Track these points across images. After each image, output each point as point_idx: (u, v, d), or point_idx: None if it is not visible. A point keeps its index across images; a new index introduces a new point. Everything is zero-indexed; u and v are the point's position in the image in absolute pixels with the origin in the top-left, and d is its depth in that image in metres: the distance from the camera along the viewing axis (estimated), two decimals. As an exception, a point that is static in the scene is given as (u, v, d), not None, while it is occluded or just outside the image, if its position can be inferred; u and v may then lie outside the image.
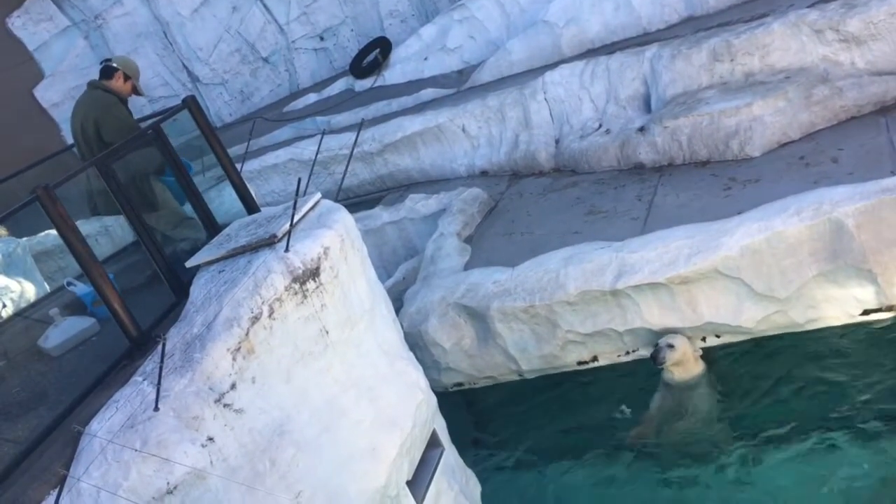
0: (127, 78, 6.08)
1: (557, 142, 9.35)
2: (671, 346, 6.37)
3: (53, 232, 4.43)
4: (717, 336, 6.65)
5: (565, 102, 9.29)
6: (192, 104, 5.49)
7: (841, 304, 6.22)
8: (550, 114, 9.43)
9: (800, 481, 5.48)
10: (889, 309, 6.12)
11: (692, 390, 6.39)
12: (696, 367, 6.45)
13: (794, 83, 7.63)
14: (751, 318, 6.36)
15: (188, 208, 5.73)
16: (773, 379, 6.30)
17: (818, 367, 6.22)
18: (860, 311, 6.21)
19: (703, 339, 6.67)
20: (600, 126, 8.99)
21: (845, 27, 7.56)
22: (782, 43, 7.89)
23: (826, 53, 7.75)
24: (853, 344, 6.21)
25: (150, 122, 5.68)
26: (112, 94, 5.97)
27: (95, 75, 6.23)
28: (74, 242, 4.25)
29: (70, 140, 6.36)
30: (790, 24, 7.83)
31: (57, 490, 3.45)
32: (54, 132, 12.93)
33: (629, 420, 6.56)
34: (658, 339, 6.52)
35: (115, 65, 6.07)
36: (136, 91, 6.21)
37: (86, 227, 5.48)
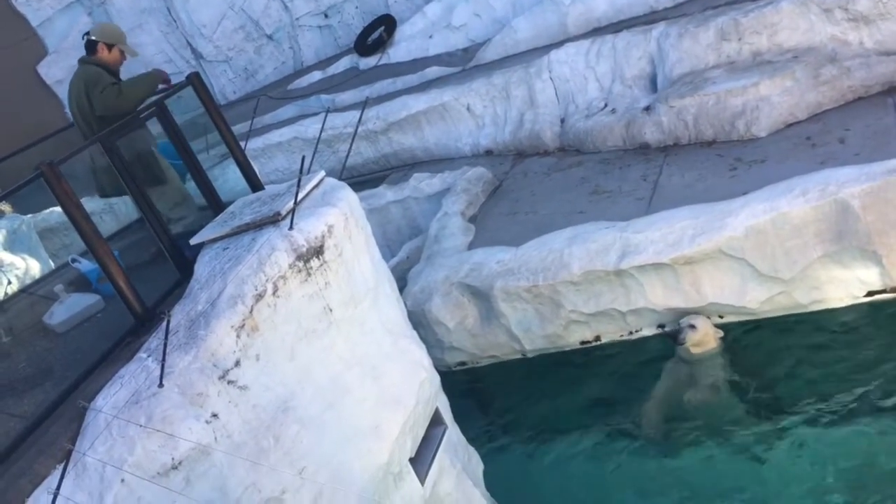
0: (111, 46, 5.78)
1: (562, 121, 9.31)
2: (692, 327, 6.39)
3: (58, 209, 4.43)
4: (721, 317, 6.65)
5: (571, 81, 9.24)
6: (196, 81, 5.46)
7: (845, 286, 6.21)
8: (556, 93, 9.38)
9: (807, 462, 5.50)
10: (893, 290, 6.11)
11: (705, 364, 6.40)
12: (713, 344, 6.48)
13: (802, 63, 7.57)
14: (755, 299, 6.36)
15: (189, 188, 5.72)
16: (784, 359, 6.31)
17: (827, 347, 6.23)
18: (864, 293, 6.21)
19: (707, 318, 6.67)
20: (606, 105, 8.94)
21: (854, 6, 7.48)
22: (791, 22, 7.82)
23: (834, 33, 7.68)
24: (860, 325, 6.21)
25: (153, 98, 5.63)
26: (100, 67, 5.73)
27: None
28: (79, 219, 4.24)
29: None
30: (799, 2, 7.75)
31: (62, 464, 3.48)
32: (58, 109, 12.91)
33: (636, 398, 6.58)
34: (679, 320, 6.56)
35: (93, 37, 5.77)
36: (125, 54, 5.91)
37: (90, 204, 5.47)
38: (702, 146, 7.91)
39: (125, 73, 6.00)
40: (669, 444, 6.14)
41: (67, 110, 6.67)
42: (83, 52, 5.84)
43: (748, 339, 6.56)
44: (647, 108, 8.39)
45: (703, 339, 6.42)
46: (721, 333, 6.49)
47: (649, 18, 9.24)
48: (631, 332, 6.97)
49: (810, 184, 6.08)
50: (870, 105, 7.24)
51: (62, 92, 13.06)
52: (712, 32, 8.19)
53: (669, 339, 6.57)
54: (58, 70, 13.62)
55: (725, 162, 7.42)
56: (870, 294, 6.20)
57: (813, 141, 7.09)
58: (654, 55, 8.69)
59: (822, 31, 7.73)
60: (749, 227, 6.12)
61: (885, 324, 6.12)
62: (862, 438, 5.48)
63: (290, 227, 4.60)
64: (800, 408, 5.86)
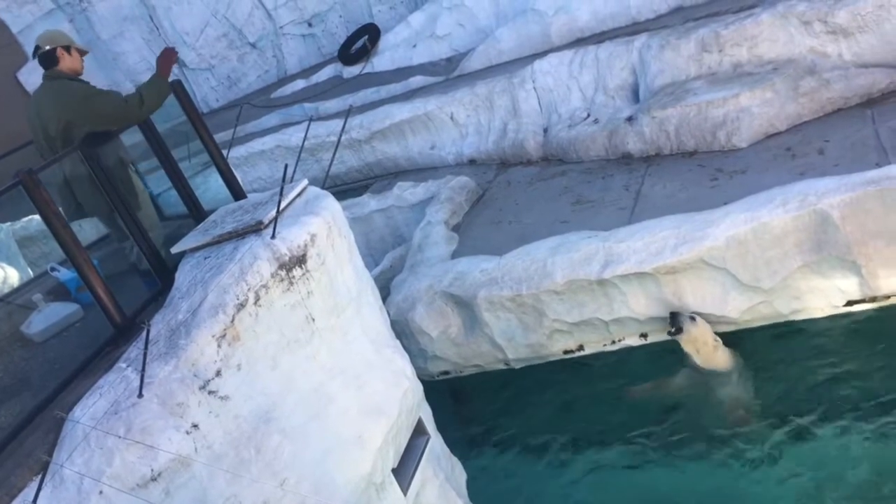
0: (68, 49, 5.13)
1: (546, 131, 9.34)
2: (692, 319, 6.36)
3: (37, 217, 4.38)
4: (703, 326, 6.68)
5: (554, 91, 9.29)
6: (178, 89, 5.43)
7: (825, 295, 6.27)
8: (539, 102, 9.42)
9: (793, 472, 5.53)
10: (872, 300, 6.17)
11: (718, 382, 6.38)
12: (719, 358, 6.41)
13: (782, 74, 7.66)
14: (736, 308, 6.39)
15: (171, 196, 5.64)
16: (763, 369, 6.35)
17: (808, 356, 6.27)
18: (844, 302, 6.26)
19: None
20: (588, 115, 8.99)
21: (833, 19, 7.58)
22: (770, 34, 7.91)
23: (814, 45, 7.78)
24: (840, 334, 6.27)
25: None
26: (72, 79, 5.12)
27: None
28: (58, 227, 4.20)
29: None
30: (779, 14, 7.85)
31: (40, 476, 3.43)
32: (38, 116, 12.77)
33: (620, 407, 6.59)
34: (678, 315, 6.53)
35: (48, 47, 5.08)
36: (82, 53, 5.25)
37: (70, 212, 5.39)
38: (683, 156, 7.97)
39: (106, 81, 5.82)
40: (656, 453, 6.15)
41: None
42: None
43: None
44: (630, 119, 8.45)
45: (698, 338, 6.34)
46: (718, 341, 6.42)
47: (631, 30, 9.31)
48: (614, 342, 6.99)
49: (790, 194, 6.14)
50: (848, 117, 7.33)
51: (42, 99, 12.94)
52: (693, 44, 8.27)
53: (669, 327, 6.49)
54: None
55: (707, 172, 7.48)
56: (849, 304, 6.25)
57: (793, 152, 7.17)
58: (636, 66, 8.75)
59: (801, 43, 7.83)
60: (730, 237, 6.17)
61: (863, 333, 6.18)
62: (845, 447, 5.52)
63: (273, 236, 4.58)
64: (784, 417, 5.90)
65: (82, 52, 5.29)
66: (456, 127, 10.03)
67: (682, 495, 5.72)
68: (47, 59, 5.14)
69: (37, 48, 5.14)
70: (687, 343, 6.40)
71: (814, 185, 6.13)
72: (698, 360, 6.40)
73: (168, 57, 5.24)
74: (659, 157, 8.19)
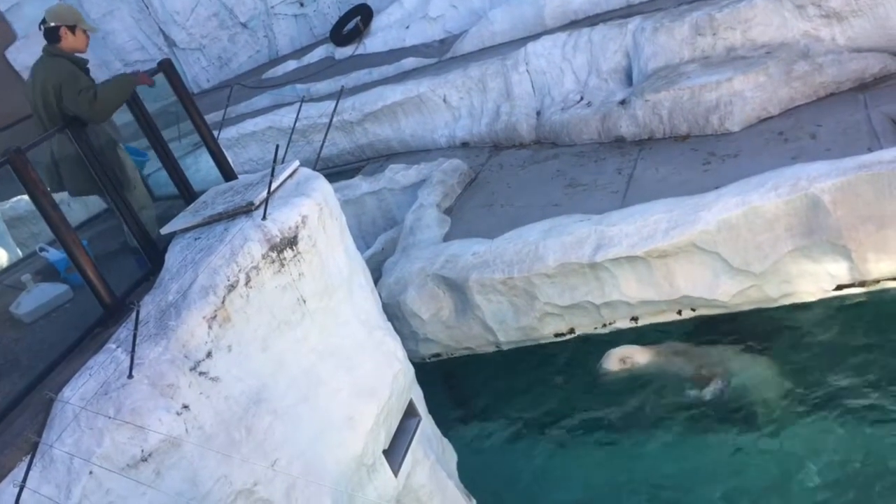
0: (73, 28, 5.14)
1: (539, 114, 9.31)
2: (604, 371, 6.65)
3: (25, 197, 4.34)
4: (693, 310, 6.71)
5: (547, 74, 9.25)
6: (167, 68, 5.37)
7: (815, 280, 6.30)
8: (532, 85, 9.39)
9: (779, 459, 5.57)
10: (862, 284, 6.21)
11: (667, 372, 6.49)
12: (647, 357, 6.55)
13: (775, 58, 7.65)
14: (726, 292, 6.42)
15: (161, 176, 5.60)
16: (747, 354, 6.38)
17: (793, 341, 6.30)
18: (833, 287, 6.29)
19: (679, 311, 6.74)
20: (582, 98, 8.97)
21: (827, 3, 7.58)
22: (764, 17, 7.89)
23: (807, 29, 7.77)
24: (830, 319, 6.29)
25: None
26: (70, 59, 5.10)
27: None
28: (47, 207, 4.16)
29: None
30: (773, -2, 7.83)
31: (29, 457, 3.42)
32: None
33: (606, 389, 6.64)
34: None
35: (53, 24, 5.12)
36: (87, 32, 5.26)
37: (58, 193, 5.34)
38: (676, 140, 7.97)
39: (95, 61, 5.77)
40: (641, 434, 6.19)
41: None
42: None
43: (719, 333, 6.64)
44: (623, 102, 8.43)
45: (619, 369, 6.58)
46: (627, 363, 6.56)
47: (625, 12, 9.27)
48: (605, 325, 7.01)
49: (782, 178, 6.15)
50: (841, 101, 7.33)
51: (31, 78, 12.79)
52: (687, 27, 8.24)
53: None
54: (27, 55, 13.33)
55: (699, 156, 7.48)
56: (839, 288, 6.29)
57: (785, 136, 7.17)
58: (629, 49, 8.72)
59: (794, 26, 7.82)
60: (721, 221, 6.18)
61: (853, 317, 6.21)
62: (830, 435, 5.56)
63: (264, 218, 4.55)
64: (768, 404, 5.93)
65: (89, 32, 5.27)
66: (449, 109, 9.99)
67: (663, 474, 5.76)
68: (50, 34, 5.17)
69: (43, 20, 5.17)
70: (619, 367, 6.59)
71: (806, 169, 6.14)
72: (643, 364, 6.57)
73: (145, 80, 5.21)
74: (652, 140, 8.18)
